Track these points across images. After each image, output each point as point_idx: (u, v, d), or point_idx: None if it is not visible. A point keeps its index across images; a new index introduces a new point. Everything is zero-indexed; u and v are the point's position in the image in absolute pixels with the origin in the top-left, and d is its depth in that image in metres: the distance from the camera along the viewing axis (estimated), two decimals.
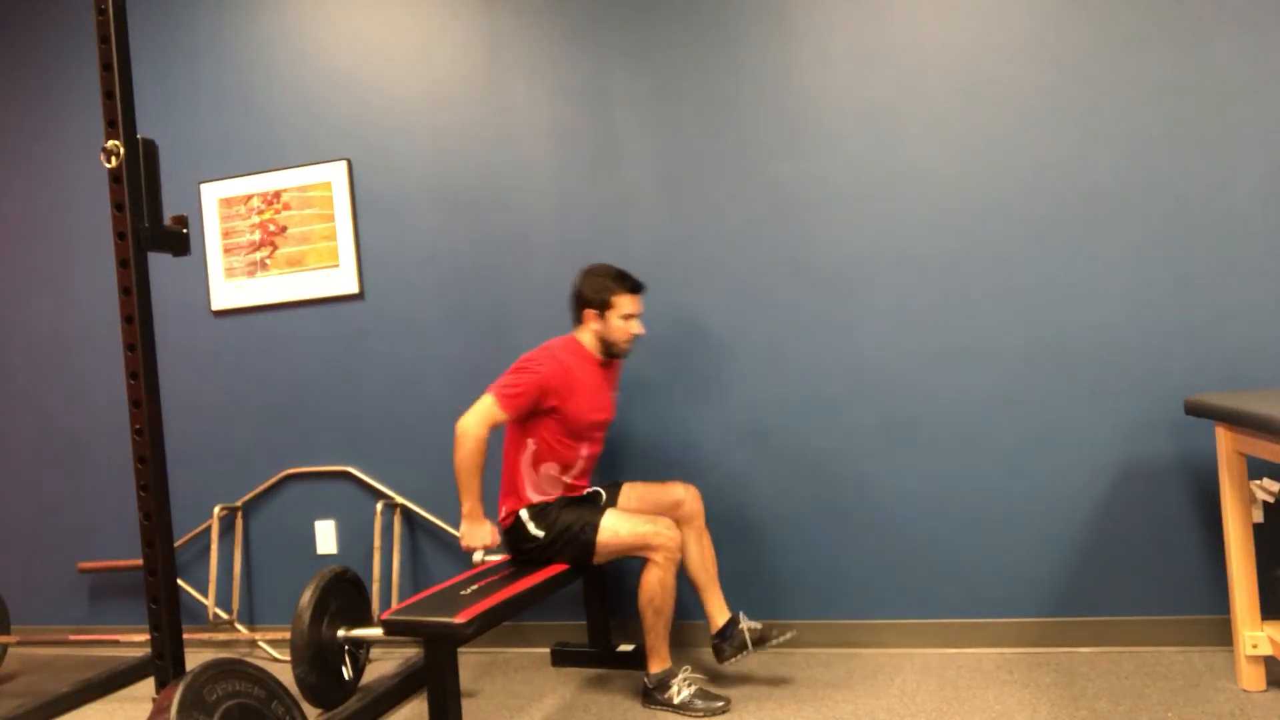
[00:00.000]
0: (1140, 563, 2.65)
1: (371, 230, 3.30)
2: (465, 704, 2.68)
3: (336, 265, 3.32)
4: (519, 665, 3.00)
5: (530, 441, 2.58)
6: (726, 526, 2.97)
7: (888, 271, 2.82)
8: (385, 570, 3.27)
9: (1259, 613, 2.29)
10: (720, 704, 2.46)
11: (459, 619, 2.10)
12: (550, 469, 2.61)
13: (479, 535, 2.49)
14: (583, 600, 3.06)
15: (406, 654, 3.22)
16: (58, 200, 3.65)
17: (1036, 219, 2.70)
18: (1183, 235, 2.60)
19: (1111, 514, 2.67)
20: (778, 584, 2.93)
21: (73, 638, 3.29)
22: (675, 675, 2.52)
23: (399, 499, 3.26)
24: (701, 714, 2.45)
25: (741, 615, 2.62)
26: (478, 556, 2.64)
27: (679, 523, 2.66)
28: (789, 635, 2.54)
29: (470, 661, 3.08)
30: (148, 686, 3.10)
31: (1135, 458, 2.65)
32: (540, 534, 2.56)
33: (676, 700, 2.49)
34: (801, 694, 2.53)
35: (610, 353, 2.66)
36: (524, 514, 2.59)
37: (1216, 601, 2.60)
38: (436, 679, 2.14)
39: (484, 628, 2.18)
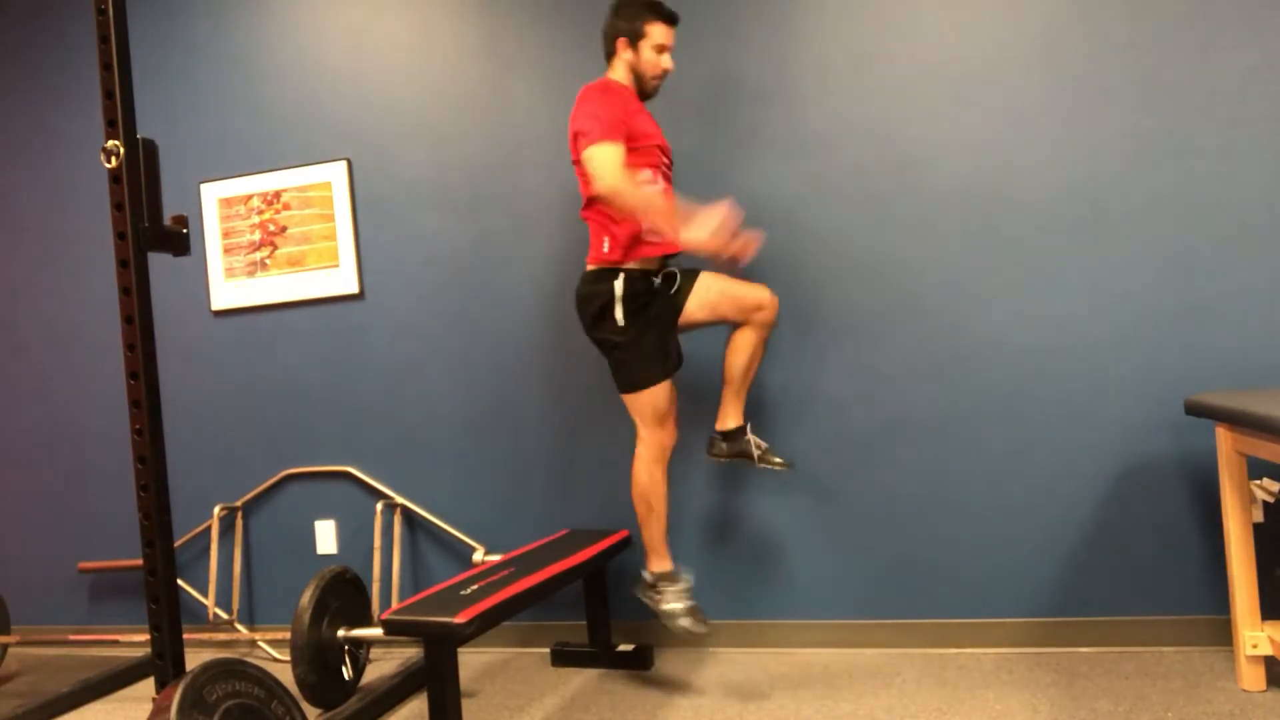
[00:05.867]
0: (1140, 563, 2.65)
1: (371, 230, 3.30)
2: (465, 704, 2.68)
3: (336, 265, 3.32)
4: (519, 665, 3.00)
5: None
6: (726, 526, 2.97)
7: (886, 272, 2.82)
8: (385, 570, 3.27)
9: (1259, 613, 2.29)
10: (701, 630, 2.47)
11: (459, 619, 2.09)
12: (645, 176, 2.45)
13: (709, 221, 2.26)
14: (583, 600, 3.06)
15: (406, 654, 3.22)
16: (58, 200, 3.65)
17: (1036, 218, 2.70)
18: (1183, 235, 2.60)
19: (1111, 514, 2.67)
20: (777, 583, 2.93)
21: (73, 638, 3.29)
22: (674, 584, 2.52)
23: (399, 499, 3.26)
24: (678, 629, 2.46)
25: (749, 427, 2.62)
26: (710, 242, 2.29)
27: (749, 323, 2.55)
28: (787, 467, 2.59)
29: (470, 661, 3.08)
30: (148, 686, 3.10)
31: (1135, 458, 2.65)
32: (623, 323, 2.44)
33: (664, 605, 2.49)
34: (801, 694, 2.53)
35: (641, 91, 2.55)
36: (619, 286, 2.44)
37: (1216, 601, 2.60)
38: (436, 679, 2.14)
39: (484, 628, 2.18)
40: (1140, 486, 2.64)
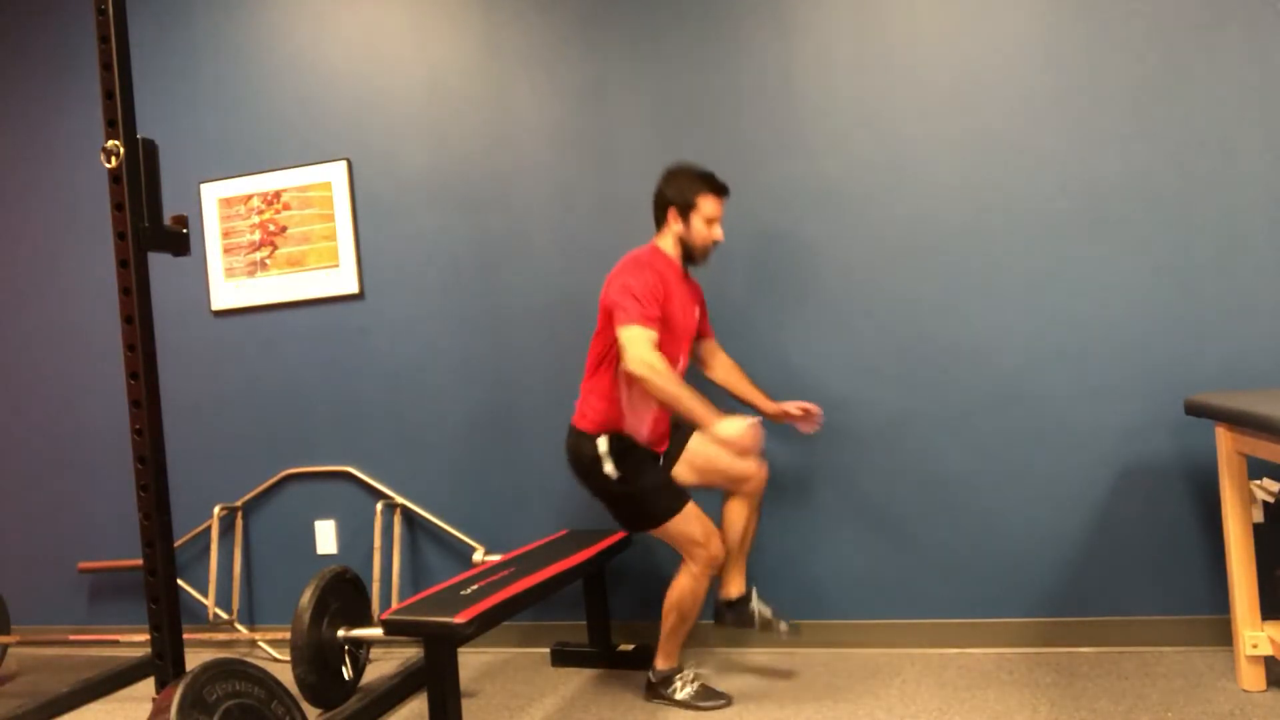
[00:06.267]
0: (1140, 563, 2.65)
1: (371, 230, 3.30)
2: (465, 704, 2.68)
3: (336, 265, 3.32)
4: (519, 665, 3.00)
5: None
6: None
7: (887, 272, 2.82)
8: (385, 570, 3.27)
9: (1259, 613, 2.29)
10: (723, 701, 2.48)
11: (459, 619, 2.10)
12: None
13: (738, 425, 2.27)
14: (583, 600, 3.06)
15: (406, 654, 3.22)
16: (58, 200, 3.65)
17: (1037, 219, 2.70)
18: (1183, 235, 2.60)
19: (1111, 514, 2.67)
20: (777, 584, 2.93)
21: (73, 638, 3.29)
22: (679, 672, 2.54)
23: (399, 499, 3.26)
24: (705, 710, 2.46)
25: (754, 592, 2.64)
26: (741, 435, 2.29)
27: (738, 493, 2.58)
28: (792, 631, 2.57)
29: (470, 661, 3.08)
30: (148, 686, 3.10)
31: (1135, 458, 2.65)
32: (615, 475, 2.43)
33: (679, 696, 2.51)
34: (801, 694, 2.53)
35: (690, 258, 2.55)
36: (603, 444, 2.45)
37: (1216, 601, 2.60)
38: (436, 679, 2.14)
39: (484, 628, 2.18)
40: (1140, 486, 2.64)
